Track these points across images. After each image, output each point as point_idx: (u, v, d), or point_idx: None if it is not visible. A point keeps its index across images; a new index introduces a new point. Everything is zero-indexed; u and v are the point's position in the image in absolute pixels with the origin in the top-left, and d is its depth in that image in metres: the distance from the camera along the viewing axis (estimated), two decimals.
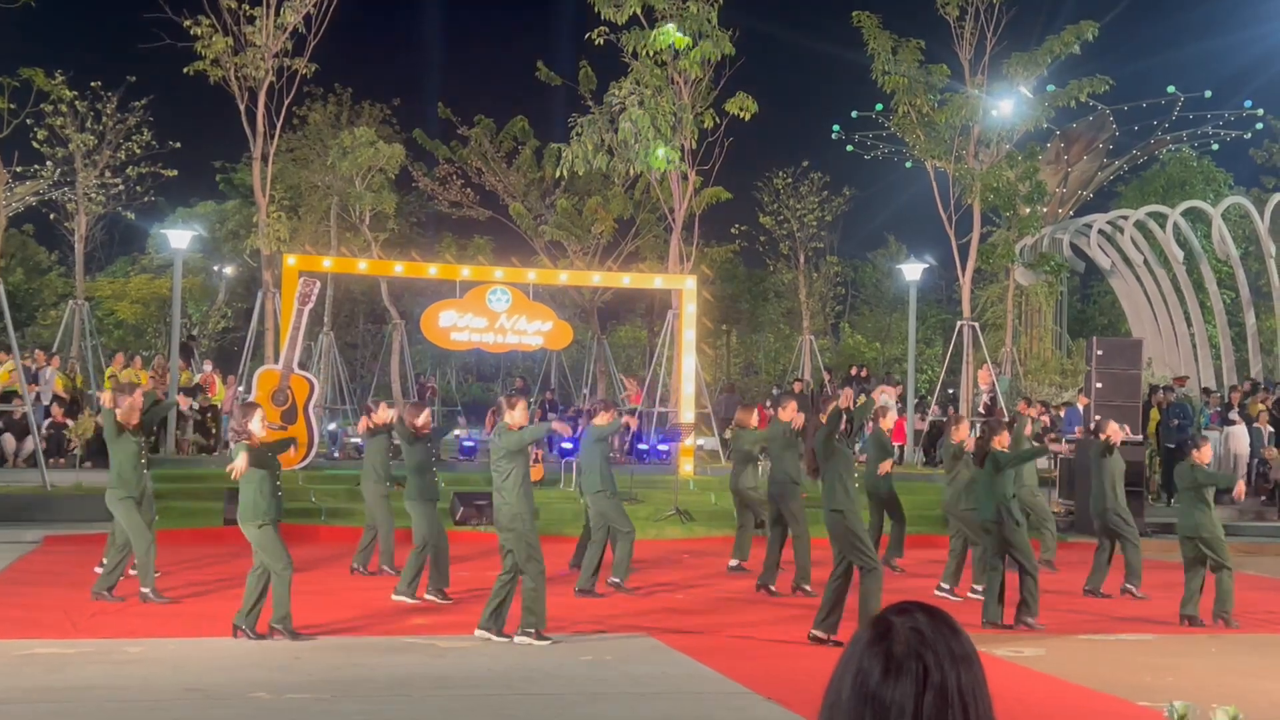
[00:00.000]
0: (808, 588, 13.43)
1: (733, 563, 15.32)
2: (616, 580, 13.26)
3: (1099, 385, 20.27)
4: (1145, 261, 32.28)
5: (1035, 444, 15.88)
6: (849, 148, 40.81)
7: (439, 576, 12.62)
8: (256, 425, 10.50)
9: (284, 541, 10.58)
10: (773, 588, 13.60)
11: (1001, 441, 12.24)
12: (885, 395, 24.65)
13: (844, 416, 11.68)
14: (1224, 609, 12.24)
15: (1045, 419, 23.58)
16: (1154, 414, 22.87)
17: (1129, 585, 14.05)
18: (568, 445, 19.65)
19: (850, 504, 11.06)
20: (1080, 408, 21.80)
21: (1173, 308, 32.12)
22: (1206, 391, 25.86)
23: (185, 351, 27.13)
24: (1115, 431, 14.37)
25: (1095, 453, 14.73)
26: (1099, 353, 20.68)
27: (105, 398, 12.85)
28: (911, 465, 24.11)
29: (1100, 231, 32.70)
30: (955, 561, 14.04)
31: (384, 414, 14.58)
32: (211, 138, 50.98)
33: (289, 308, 20.74)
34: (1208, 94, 38.24)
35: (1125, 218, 32.52)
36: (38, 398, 21.97)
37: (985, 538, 12.40)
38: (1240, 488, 13.52)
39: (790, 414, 14.06)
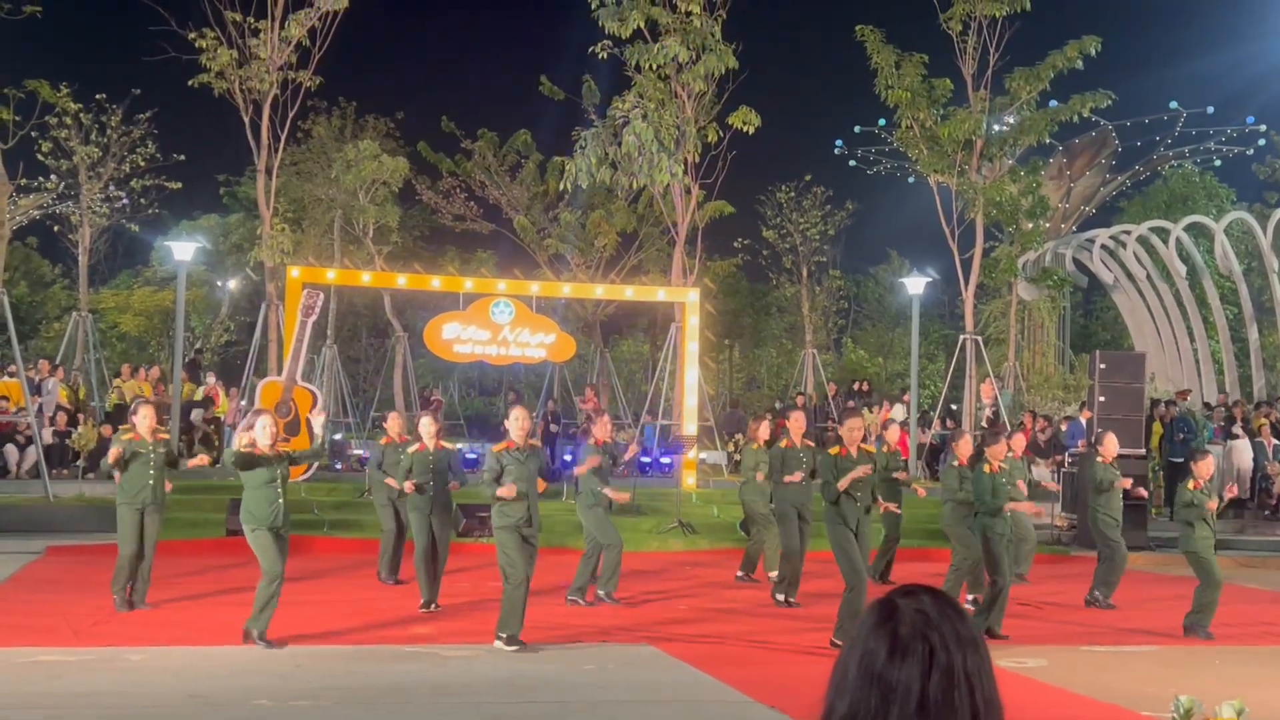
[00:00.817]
0: (781, 598, 13.47)
1: (739, 574, 15.31)
2: (603, 593, 13.19)
3: (1102, 399, 20.25)
4: (1148, 276, 32.31)
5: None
6: (851, 162, 40.96)
7: (427, 588, 12.62)
8: (260, 432, 10.48)
9: (281, 553, 10.50)
10: (791, 599, 13.57)
11: (995, 453, 12.21)
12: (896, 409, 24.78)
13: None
14: (1199, 620, 12.19)
15: (1047, 432, 23.59)
16: (1156, 428, 22.87)
17: (1097, 593, 13.98)
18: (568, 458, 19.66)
19: (838, 516, 11.01)
20: (1083, 421, 21.79)
21: (1175, 323, 32.15)
22: (1208, 406, 25.84)
23: (192, 368, 27.19)
24: (1110, 451, 14.37)
25: (1093, 467, 14.70)
26: (1102, 366, 20.66)
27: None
28: (916, 480, 24.05)
29: (1103, 246, 32.75)
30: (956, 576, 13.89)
31: (395, 424, 14.69)
32: (215, 151, 51.10)
33: (292, 320, 20.77)
34: (1210, 110, 38.38)
35: (1128, 233, 32.57)
36: (40, 409, 22.00)
37: (973, 549, 12.42)
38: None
39: (798, 427, 14.07)
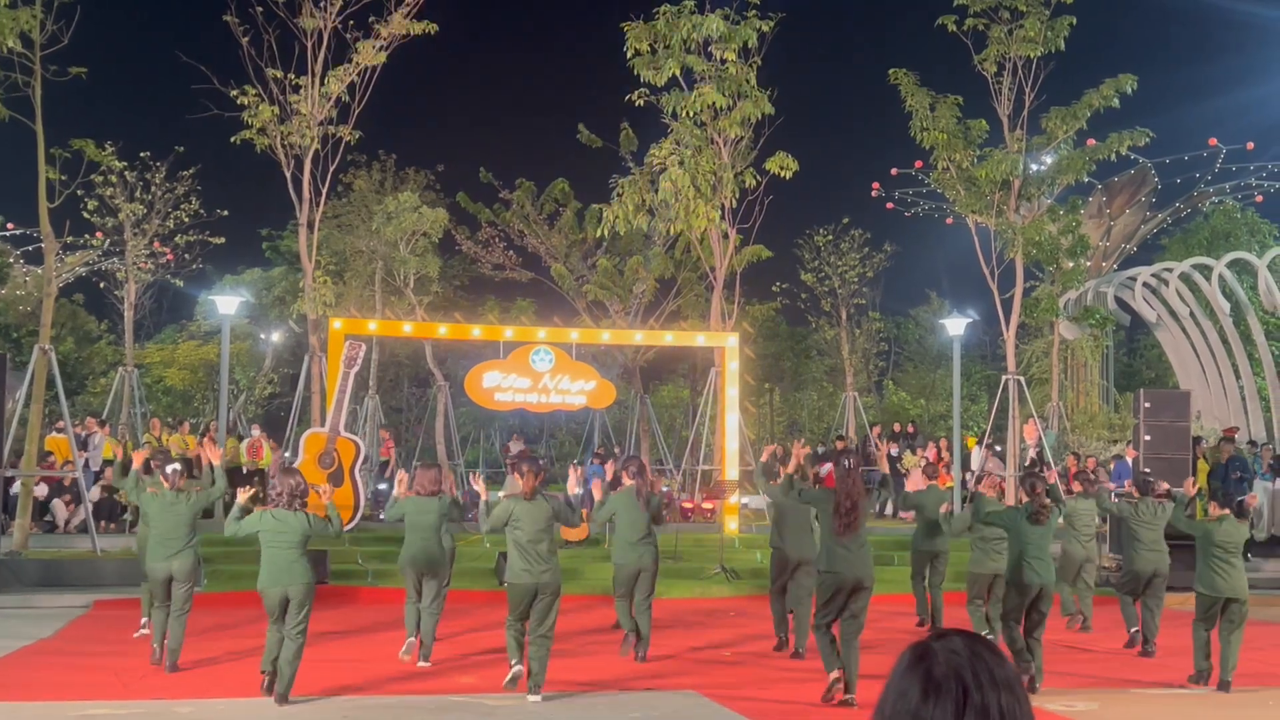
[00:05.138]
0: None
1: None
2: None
3: (1147, 438, 20.10)
4: (1191, 314, 32.07)
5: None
6: (889, 205, 40.94)
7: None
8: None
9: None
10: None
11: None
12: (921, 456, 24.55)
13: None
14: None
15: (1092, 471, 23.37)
16: (1202, 465, 22.62)
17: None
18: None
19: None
20: (1129, 461, 21.60)
21: (1220, 360, 31.86)
22: (1254, 444, 25.56)
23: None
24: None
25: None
26: (1147, 405, 20.51)
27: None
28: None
29: (1145, 284, 32.54)
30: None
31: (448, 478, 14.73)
32: (258, 205, 51.74)
33: (335, 371, 20.91)
34: (1249, 145, 38.17)
35: (1170, 270, 32.36)
36: (87, 464, 22.23)
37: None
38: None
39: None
